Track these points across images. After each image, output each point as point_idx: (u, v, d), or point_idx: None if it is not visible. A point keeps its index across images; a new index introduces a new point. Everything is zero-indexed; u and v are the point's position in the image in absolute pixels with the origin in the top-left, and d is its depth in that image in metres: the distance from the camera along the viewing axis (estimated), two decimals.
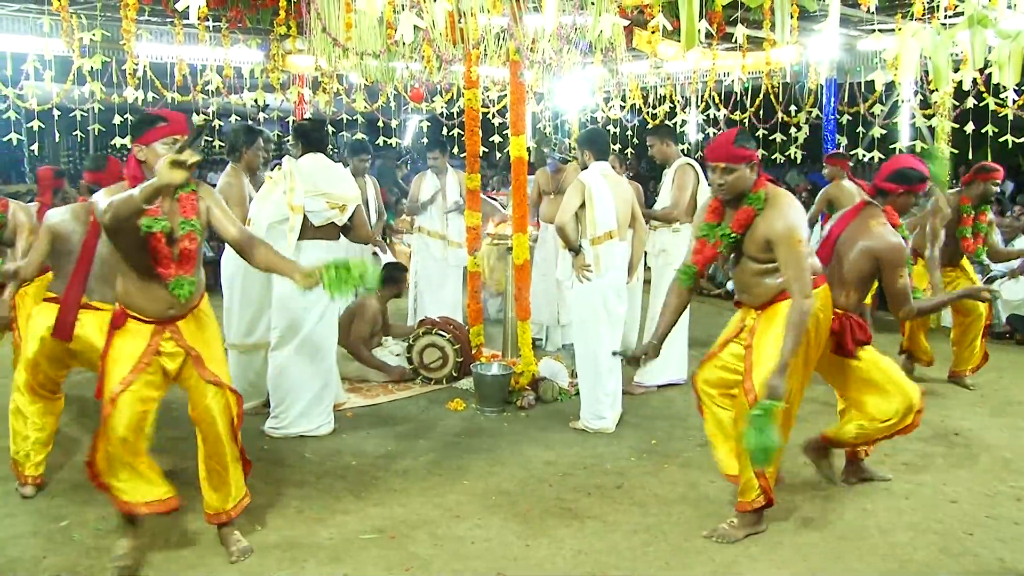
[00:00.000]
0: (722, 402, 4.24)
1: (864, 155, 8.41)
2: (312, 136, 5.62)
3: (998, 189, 6.36)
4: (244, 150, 5.87)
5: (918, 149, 9.25)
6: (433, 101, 10.18)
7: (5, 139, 7.29)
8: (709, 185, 4.12)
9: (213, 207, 3.78)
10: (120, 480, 3.68)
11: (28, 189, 14.51)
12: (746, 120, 9.53)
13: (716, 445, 4.32)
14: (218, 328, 4.05)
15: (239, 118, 9.60)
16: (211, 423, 3.80)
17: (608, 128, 10.59)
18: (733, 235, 3.93)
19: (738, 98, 9.59)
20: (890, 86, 8.19)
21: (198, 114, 9.01)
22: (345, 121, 10.47)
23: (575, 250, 5.54)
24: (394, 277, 6.97)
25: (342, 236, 5.61)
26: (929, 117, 8.65)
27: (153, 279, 3.64)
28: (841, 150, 9.10)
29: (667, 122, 10.00)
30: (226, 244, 4.37)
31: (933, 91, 7.98)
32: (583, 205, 5.51)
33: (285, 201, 5.35)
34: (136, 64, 7.17)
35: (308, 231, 5.39)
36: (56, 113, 8.03)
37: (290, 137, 6.25)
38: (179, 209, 3.65)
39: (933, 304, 4.36)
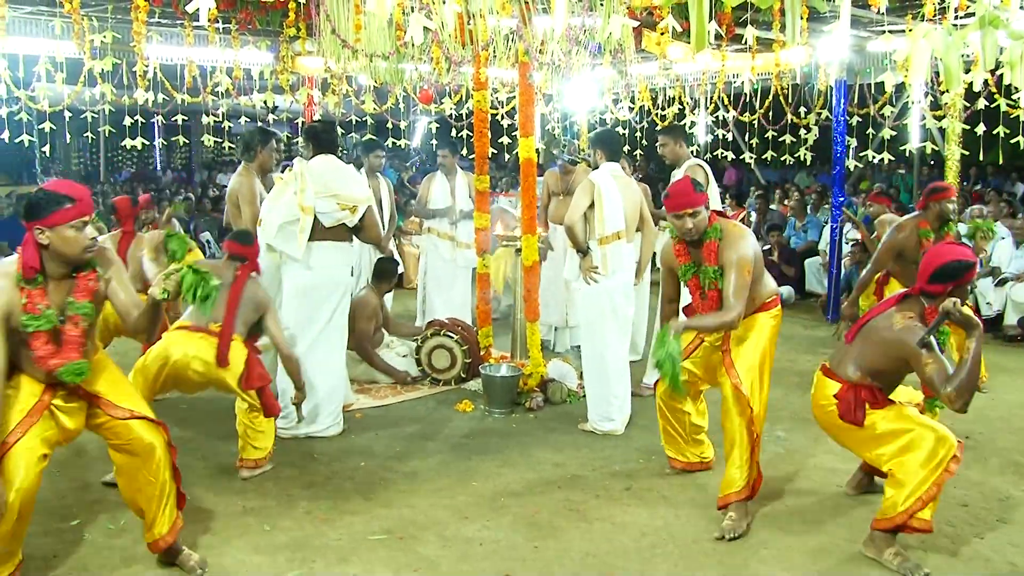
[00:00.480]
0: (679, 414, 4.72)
1: (874, 157, 8.37)
2: (323, 137, 5.63)
3: (954, 207, 6.17)
4: (258, 150, 5.89)
5: (928, 151, 9.23)
6: (442, 103, 10.19)
7: (17, 140, 7.31)
8: (677, 225, 4.30)
9: (114, 283, 3.53)
10: None
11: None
12: (755, 121, 9.51)
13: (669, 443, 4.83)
14: (117, 367, 3.78)
15: (248, 119, 9.61)
16: (149, 452, 3.61)
17: (617, 130, 10.60)
18: (715, 269, 4.22)
19: (747, 100, 9.56)
20: (900, 87, 8.17)
21: (207, 115, 9.03)
22: (354, 122, 10.49)
23: (583, 251, 5.54)
24: (387, 270, 6.94)
25: (354, 238, 5.62)
26: (940, 119, 8.61)
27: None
28: (870, 180, 9.05)
29: (675, 123, 9.98)
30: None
31: (944, 92, 7.94)
32: (592, 205, 5.50)
33: (296, 202, 5.36)
34: (146, 66, 7.18)
35: (319, 232, 5.40)
36: (67, 115, 8.06)
37: (300, 138, 6.25)
38: (72, 289, 3.40)
39: (968, 372, 3.54)
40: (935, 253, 3.89)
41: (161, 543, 3.71)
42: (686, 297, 4.52)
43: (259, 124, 9.72)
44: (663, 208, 6.51)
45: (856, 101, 9.16)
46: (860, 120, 9.11)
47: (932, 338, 3.64)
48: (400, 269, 7.34)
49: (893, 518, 3.75)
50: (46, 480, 4.68)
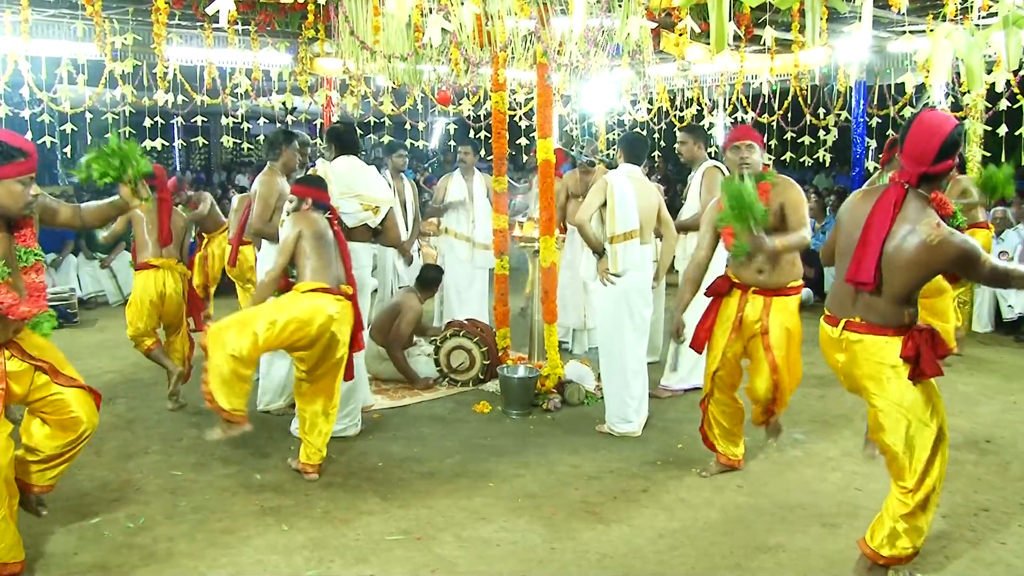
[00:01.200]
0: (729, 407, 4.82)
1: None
2: (346, 138, 5.67)
3: None
4: (282, 150, 5.92)
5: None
6: (460, 104, 10.21)
7: (39, 142, 7.38)
8: (731, 159, 4.58)
9: (49, 204, 3.64)
10: None
11: (62, 191, 14.66)
12: (774, 123, 9.48)
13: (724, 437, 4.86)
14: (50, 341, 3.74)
15: (267, 121, 9.67)
16: (85, 425, 3.66)
17: (636, 131, 10.58)
18: (764, 209, 4.23)
19: (766, 101, 9.53)
20: (920, 88, 8.11)
21: (227, 116, 9.08)
22: (372, 124, 10.51)
23: (598, 251, 5.52)
24: (431, 278, 7.00)
25: (371, 237, 5.64)
26: (961, 120, 8.55)
27: None
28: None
29: (697, 124, 9.97)
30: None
31: (965, 93, 7.89)
32: (605, 205, 5.49)
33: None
34: (166, 67, 7.24)
35: (344, 232, 5.42)
36: (88, 116, 8.13)
37: (319, 140, 6.28)
38: (19, 240, 3.42)
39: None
40: (928, 126, 3.30)
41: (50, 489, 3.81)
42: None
43: (279, 125, 9.76)
44: (680, 211, 6.55)
45: (876, 102, 9.13)
46: (880, 121, 9.07)
47: None
48: (408, 268, 7.33)
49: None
50: (66, 478, 4.74)
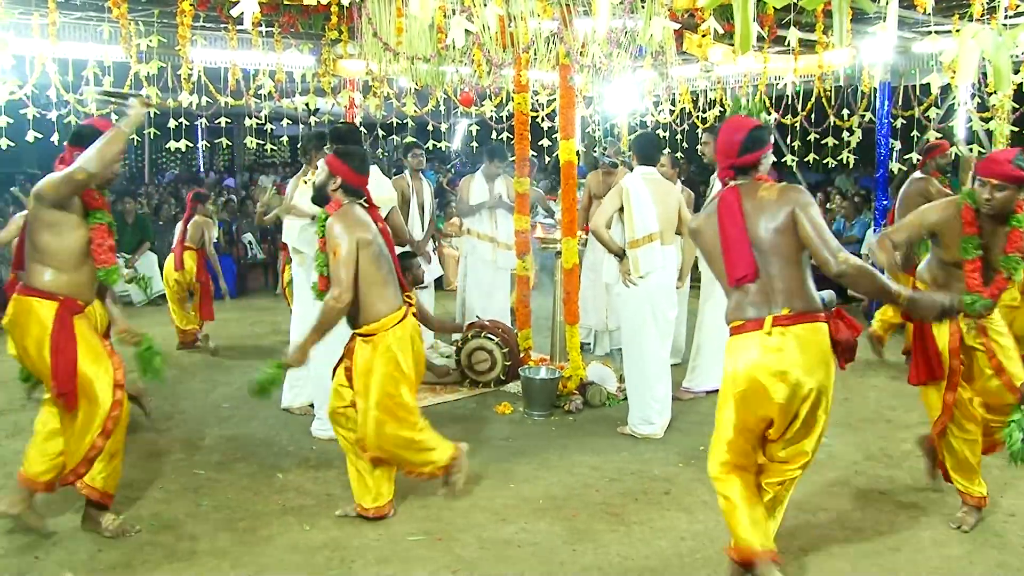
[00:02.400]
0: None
1: (918, 159, 8.24)
2: (347, 139, 5.63)
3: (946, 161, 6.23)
4: (313, 155, 5.94)
5: (975, 152, 9.09)
6: (482, 105, 10.21)
7: (65, 143, 7.44)
8: (978, 191, 3.94)
9: None
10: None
11: None
12: (797, 124, 9.41)
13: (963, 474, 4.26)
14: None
15: (290, 122, 9.71)
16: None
17: (658, 132, 10.54)
18: (1019, 259, 3.94)
19: (789, 102, 9.47)
20: (946, 89, 8.04)
21: (250, 118, 9.13)
22: (395, 125, 10.53)
23: (617, 255, 5.51)
24: (405, 265, 6.94)
25: None
26: (987, 120, 8.46)
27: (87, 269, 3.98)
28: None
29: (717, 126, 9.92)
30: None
31: (992, 94, 7.80)
32: (623, 209, 5.48)
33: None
34: (191, 69, 7.28)
35: None
36: (114, 118, 8.17)
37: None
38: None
39: (879, 283, 3.29)
40: (732, 127, 3.52)
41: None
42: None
43: (301, 127, 9.80)
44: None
45: (900, 103, 9.04)
46: (904, 122, 8.99)
47: None
48: (427, 267, 7.31)
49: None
50: None
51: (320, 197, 4.24)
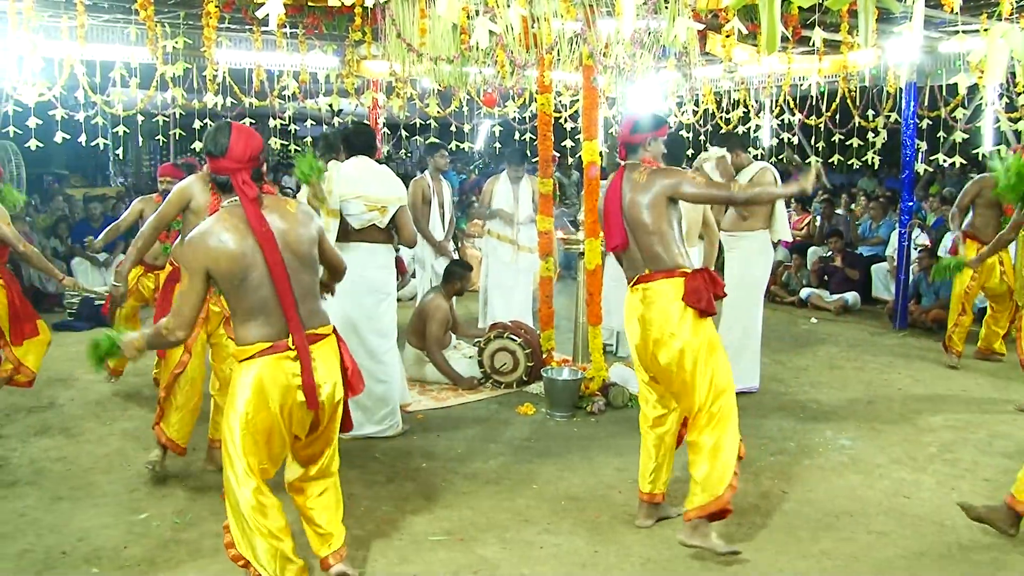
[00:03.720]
0: None
1: (944, 161, 8.17)
2: (355, 140, 5.62)
3: None
4: (338, 156, 5.96)
5: (1002, 155, 9.00)
6: (506, 106, 10.22)
7: (93, 144, 7.52)
8: None
9: None
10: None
11: (116, 192, 14.92)
12: (822, 125, 9.35)
13: None
14: None
15: (314, 123, 9.76)
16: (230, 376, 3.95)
17: (681, 133, 10.50)
18: None
19: (814, 102, 9.41)
20: (973, 89, 7.95)
21: (274, 118, 9.19)
22: (418, 125, 10.57)
23: None
24: (453, 272, 6.98)
25: (390, 238, 5.61)
26: (1015, 121, 8.36)
27: None
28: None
29: (740, 127, 9.88)
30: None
31: (1021, 94, 7.72)
32: None
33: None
34: (216, 70, 7.33)
35: (351, 234, 5.42)
36: (140, 119, 8.26)
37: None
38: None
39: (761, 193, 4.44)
40: (626, 119, 4.28)
41: (212, 443, 4.94)
42: None
43: (325, 127, 9.85)
44: (725, 215, 6.50)
45: (926, 103, 8.96)
46: (930, 123, 8.90)
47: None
48: (470, 271, 7.34)
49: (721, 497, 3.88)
50: (116, 475, 4.84)
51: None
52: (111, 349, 3.34)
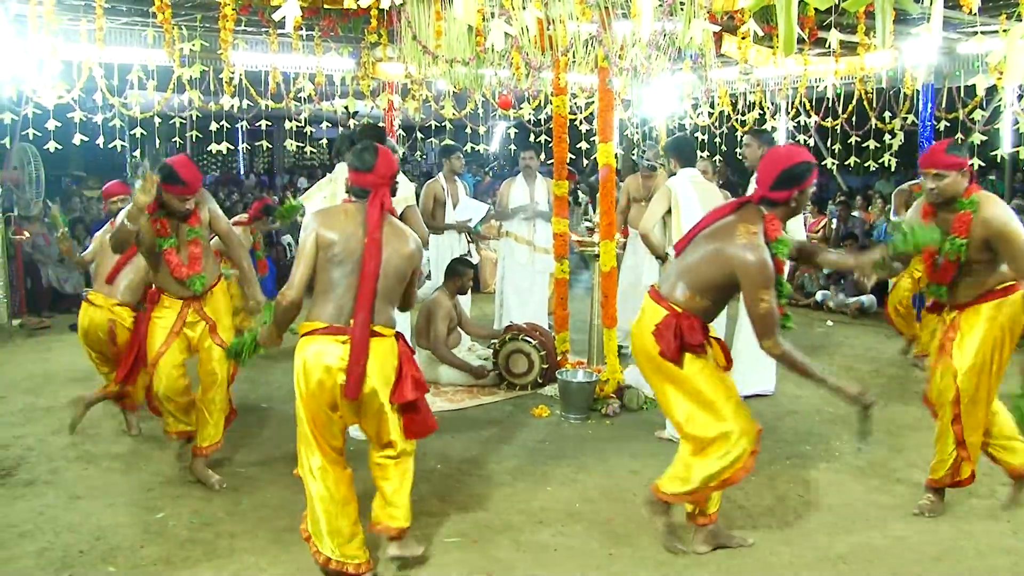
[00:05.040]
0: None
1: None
2: (357, 141, 5.64)
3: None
4: (346, 157, 5.98)
5: (1021, 156, 8.93)
6: (521, 108, 10.22)
7: (110, 146, 7.57)
8: (924, 183, 4.19)
9: (213, 210, 4.74)
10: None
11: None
12: (838, 127, 9.31)
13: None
14: (229, 303, 5.00)
15: (330, 124, 9.78)
16: (213, 381, 4.72)
17: (696, 135, 10.48)
18: (962, 242, 4.04)
19: (830, 104, 9.37)
20: (992, 90, 7.91)
21: (290, 120, 9.22)
22: (433, 127, 10.59)
23: (661, 257, 5.49)
24: (455, 270, 6.98)
25: None
26: None
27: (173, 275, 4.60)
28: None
29: (762, 128, 9.85)
30: None
31: None
32: (670, 212, 5.46)
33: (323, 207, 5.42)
34: (232, 73, 7.37)
35: None
36: (157, 120, 8.32)
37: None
38: (189, 223, 4.61)
39: (800, 362, 3.62)
40: (774, 158, 3.75)
41: (202, 451, 4.76)
42: None
43: (341, 129, 9.89)
44: None
45: (944, 105, 8.91)
46: (948, 125, 8.85)
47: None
48: (472, 268, 7.34)
49: (665, 495, 3.89)
50: (133, 475, 4.87)
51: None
52: (253, 347, 3.97)
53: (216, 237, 4.91)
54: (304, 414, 3.59)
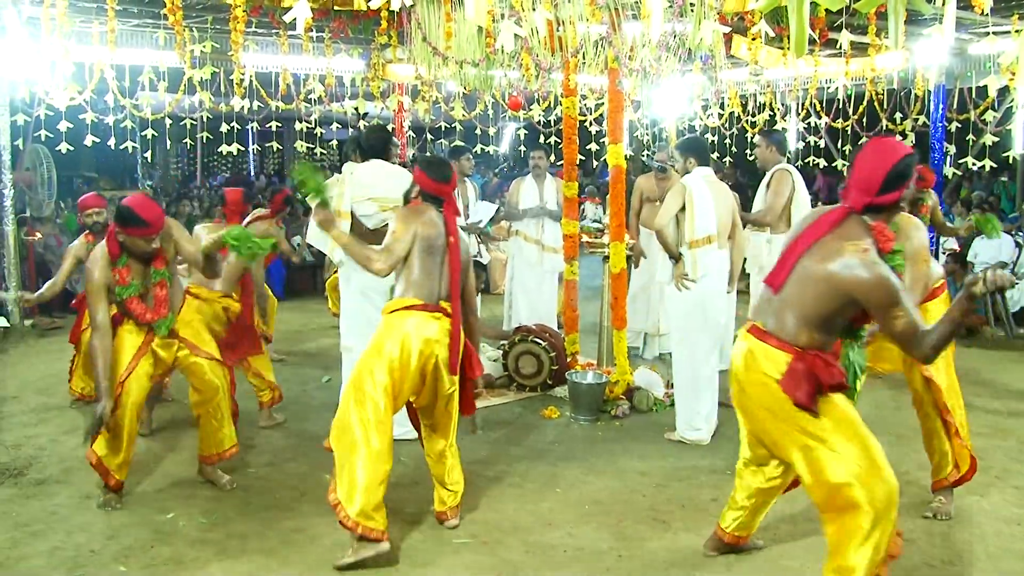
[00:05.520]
0: None
1: (974, 164, 8.09)
2: (367, 144, 5.61)
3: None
4: (353, 158, 5.99)
5: None
6: (531, 109, 10.23)
7: (121, 147, 7.61)
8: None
9: (178, 239, 4.56)
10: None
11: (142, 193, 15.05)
12: (849, 128, 9.29)
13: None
14: (200, 317, 5.02)
15: (340, 126, 9.81)
16: (215, 390, 4.66)
17: (706, 136, 10.46)
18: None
19: (840, 105, 9.35)
20: (1003, 91, 7.88)
21: (300, 121, 9.25)
22: (443, 129, 10.60)
23: (675, 256, 5.48)
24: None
25: None
26: None
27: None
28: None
29: (773, 128, 9.84)
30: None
31: None
32: (683, 210, 5.45)
33: (334, 207, 5.43)
34: (243, 74, 7.40)
35: (366, 235, 5.42)
36: (168, 122, 8.36)
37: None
38: (154, 264, 4.48)
39: (946, 330, 2.93)
40: (876, 154, 3.15)
41: (209, 459, 4.77)
42: None
43: (351, 130, 9.92)
44: (751, 212, 6.45)
45: (956, 106, 8.88)
46: (959, 126, 8.82)
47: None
48: (483, 270, 7.33)
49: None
50: (144, 475, 4.89)
51: (405, 203, 4.55)
52: (318, 186, 4.15)
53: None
54: (385, 376, 3.93)
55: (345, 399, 3.99)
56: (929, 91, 8.88)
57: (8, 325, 8.53)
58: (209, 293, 5.59)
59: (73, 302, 6.57)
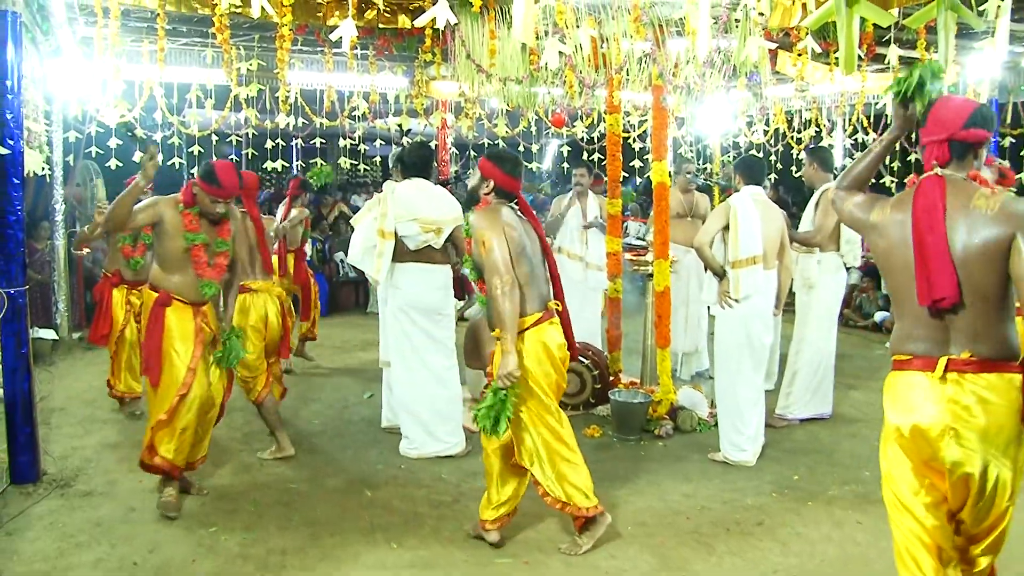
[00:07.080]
0: None
1: None
2: (409, 161, 5.64)
3: None
4: (395, 175, 6.02)
5: None
6: (574, 126, 10.21)
7: (169, 163, 7.71)
8: None
9: (234, 231, 4.83)
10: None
11: None
12: (897, 144, 9.13)
13: None
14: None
15: (383, 142, 9.88)
16: (213, 402, 4.72)
17: (751, 153, 10.36)
18: None
19: (888, 121, 9.20)
20: None
21: (344, 138, 9.31)
22: (486, 145, 10.62)
23: (719, 274, 5.41)
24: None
25: (447, 259, 5.65)
26: None
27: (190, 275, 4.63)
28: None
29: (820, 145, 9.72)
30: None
31: None
32: (727, 228, 5.38)
33: (376, 227, 5.45)
34: (288, 91, 7.47)
35: (406, 255, 5.48)
36: (214, 138, 8.46)
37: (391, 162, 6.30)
38: (219, 234, 4.70)
39: None
40: (954, 101, 2.85)
41: (198, 464, 4.86)
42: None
43: (394, 147, 9.98)
44: (799, 231, 6.36)
45: (1008, 121, 8.70)
46: (1013, 141, 8.64)
47: None
48: None
49: None
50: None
51: (471, 200, 4.40)
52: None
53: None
54: (543, 388, 4.12)
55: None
56: None
57: (56, 337, 8.68)
58: (270, 286, 5.62)
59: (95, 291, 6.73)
